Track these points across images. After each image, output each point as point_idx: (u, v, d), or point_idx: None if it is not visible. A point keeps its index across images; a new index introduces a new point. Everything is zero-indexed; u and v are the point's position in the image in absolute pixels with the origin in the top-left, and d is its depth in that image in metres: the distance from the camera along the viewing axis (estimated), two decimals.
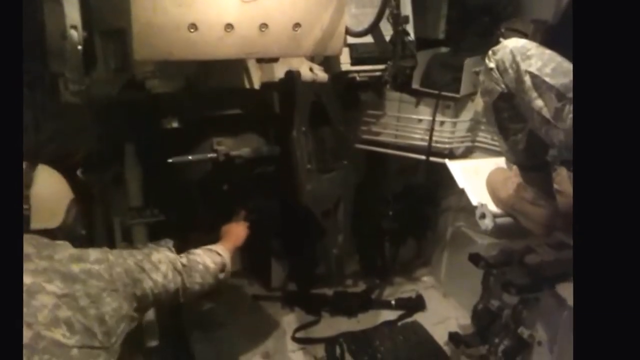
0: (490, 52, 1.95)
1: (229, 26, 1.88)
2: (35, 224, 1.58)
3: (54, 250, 1.52)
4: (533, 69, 1.77)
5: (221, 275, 1.94)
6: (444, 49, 2.98)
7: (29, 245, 1.48)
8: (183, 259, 1.83)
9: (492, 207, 2.21)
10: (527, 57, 1.81)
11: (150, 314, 2.13)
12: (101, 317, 1.48)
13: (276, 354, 2.75)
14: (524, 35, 2.48)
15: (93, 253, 1.58)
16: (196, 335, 2.77)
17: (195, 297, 1.89)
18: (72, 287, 1.46)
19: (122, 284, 1.57)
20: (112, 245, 2.30)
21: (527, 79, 1.78)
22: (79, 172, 2.34)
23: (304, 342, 2.82)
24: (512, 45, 1.88)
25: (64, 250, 1.54)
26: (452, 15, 2.90)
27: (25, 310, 1.36)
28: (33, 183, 1.59)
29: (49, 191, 1.65)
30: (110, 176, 2.51)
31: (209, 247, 1.98)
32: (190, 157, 2.15)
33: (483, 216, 2.18)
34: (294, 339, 2.84)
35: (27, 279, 1.41)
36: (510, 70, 1.85)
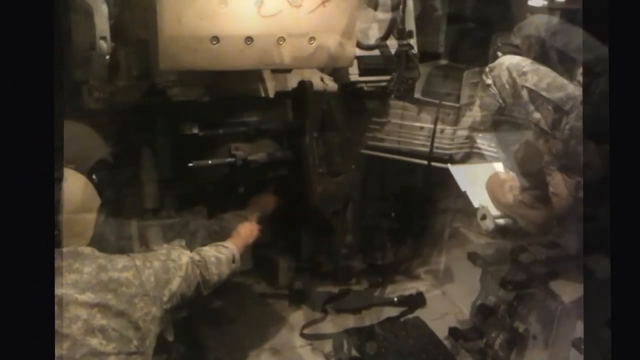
0: (487, 69, 2.07)
1: (249, 39, 2.00)
2: (67, 240, 1.58)
3: (82, 262, 1.57)
4: (529, 84, 1.90)
5: (233, 266, 2.04)
6: (443, 61, 3.10)
7: (59, 258, 1.53)
8: (196, 255, 1.93)
9: (492, 209, 2.32)
10: (523, 74, 1.93)
11: None
12: (135, 323, 1.57)
13: (285, 350, 2.81)
14: (519, 49, 2.62)
15: (120, 260, 1.65)
16: (206, 332, 2.85)
17: (213, 289, 1.98)
18: (104, 296, 1.54)
19: (152, 287, 1.65)
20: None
21: (525, 94, 1.90)
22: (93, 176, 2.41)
23: (312, 338, 2.89)
24: (507, 63, 2.00)
25: (92, 261, 1.59)
26: (451, 30, 3.03)
27: (60, 322, 1.44)
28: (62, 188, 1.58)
29: (79, 198, 1.66)
30: (124, 178, 2.60)
31: (216, 244, 2.08)
32: (210, 162, 2.26)
33: (484, 217, 2.29)
34: (302, 335, 2.91)
35: (58, 292, 1.48)
36: (507, 86, 1.97)
